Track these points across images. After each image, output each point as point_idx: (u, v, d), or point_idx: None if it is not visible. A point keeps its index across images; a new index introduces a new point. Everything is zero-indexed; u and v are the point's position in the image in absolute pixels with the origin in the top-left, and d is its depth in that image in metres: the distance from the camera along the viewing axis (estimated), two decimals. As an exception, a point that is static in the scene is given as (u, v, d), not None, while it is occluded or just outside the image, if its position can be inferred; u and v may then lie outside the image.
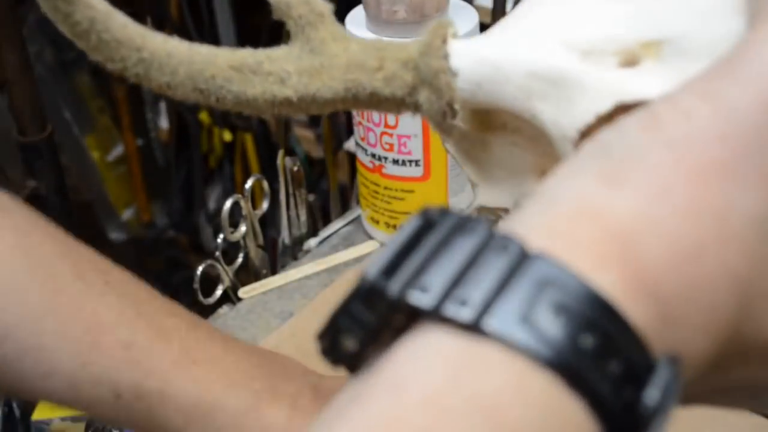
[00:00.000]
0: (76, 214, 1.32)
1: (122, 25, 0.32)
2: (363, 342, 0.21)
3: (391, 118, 0.66)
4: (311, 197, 0.78)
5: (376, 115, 0.67)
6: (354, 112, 0.70)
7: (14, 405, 1.10)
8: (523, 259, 0.20)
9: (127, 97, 1.79)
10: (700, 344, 0.22)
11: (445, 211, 0.22)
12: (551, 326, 0.19)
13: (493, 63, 0.30)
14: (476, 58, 0.30)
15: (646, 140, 0.22)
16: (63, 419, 1.05)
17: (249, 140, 1.64)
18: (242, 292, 0.70)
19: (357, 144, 0.71)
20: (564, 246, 0.21)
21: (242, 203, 0.70)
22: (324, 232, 0.77)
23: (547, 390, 0.19)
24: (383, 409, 0.19)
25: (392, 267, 0.21)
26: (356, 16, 0.67)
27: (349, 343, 0.21)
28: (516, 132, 0.33)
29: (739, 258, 0.21)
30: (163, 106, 1.75)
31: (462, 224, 0.21)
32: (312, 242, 0.76)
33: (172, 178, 1.78)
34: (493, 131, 0.34)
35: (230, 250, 0.72)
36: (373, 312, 0.21)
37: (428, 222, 0.22)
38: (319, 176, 1.44)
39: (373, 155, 0.69)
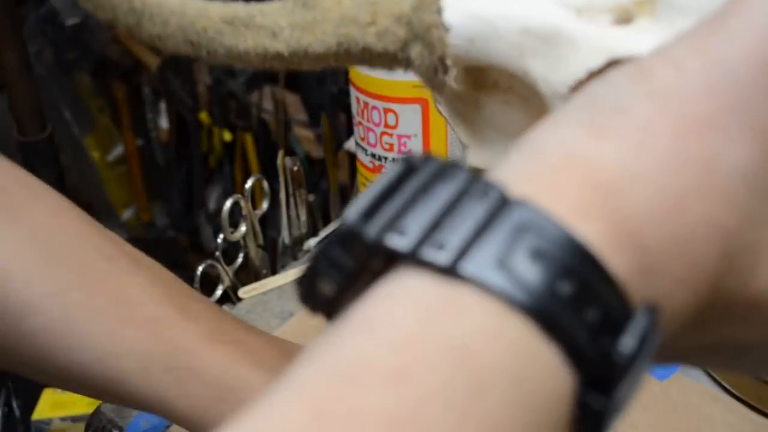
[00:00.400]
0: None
1: None
2: (340, 286, 0.21)
3: (391, 118, 0.66)
4: (311, 197, 0.78)
5: (376, 116, 0.67)
6: (354, 113, 0.70)
7: (14, 405, 1.10)
8: (503, 204, 0.20)
9: (127, 97, 1.79)
10: (682, 296, 0.21)
11: (428, 157, 0.22)
12: (528, 272, 0.19)
13: (487, 18, 0.30)
14: (469, 14, 0.30)
15: (634, 91, 0.22)
16: (63, 419, 1.05)
17: (249, 140, 1.64)
18: (242, 292, 0.70)
19: (357, 144, 0.71)
20: (546, 193, 0.20)
21: (242, 203, 0.70)
22: (324, 232, 0.77)
23: (521, 335, 0.19)
24: (353, 350, 0.19)
25: (371, 211, 0.20)
26: (356, 16, 0.67)
27: (327, 287, 0.21)
28: (508, 91, 0.33)
29: (724, 210, 0.21)
30: (163, 106, 1.75)
31: (443, 170, 0.21)
32: (312, 242, 0.76)
33: (172, 178, 1.78)
34: (486, 90, 0.33)
35: (230, 250, 0.72)
36: (351, 256, 0.20)
37: (410, 167, 0.21)
38: (319, 176, 1.44)
39: (373, 155, 0.69)
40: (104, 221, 1.74)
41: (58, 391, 1.09)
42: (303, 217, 0.75)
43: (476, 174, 0.21)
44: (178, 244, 1.85)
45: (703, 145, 0.21)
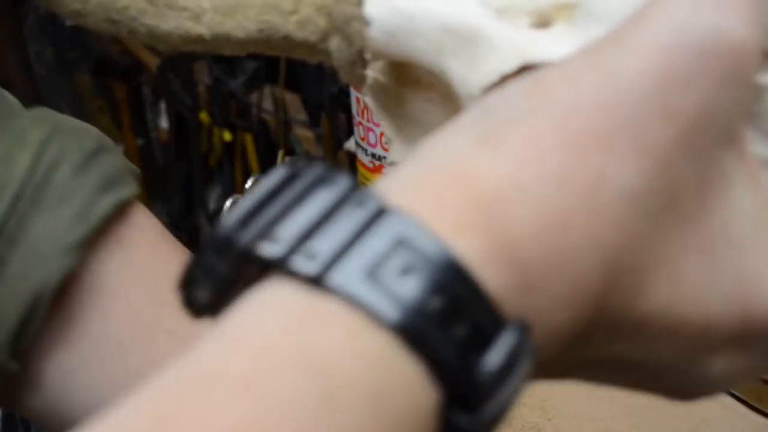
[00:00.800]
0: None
1: None
2: (215, 293, 0.20)
3: (391, 118, 0.66)
4: (311, 197, 0.78)
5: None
6: (354, 113, 0.70)
7: (14, 405, 1.10)
8: (379, 215, 0.20)
9: (127, 97, 1.79)
10: (563, 314, 0.21)
11: (312, 164, 0.21)
12: (398, 285, 0.19)
13: (407, 14, 0.29)
14: (390, 8, 0.29)
15: (528, 105, 0.22)
16: (63, 419, 1.05)
17: (249, 140, 1.64)
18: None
19: (357, 144, 0.71)
20: (428, 205, 0.20)
21: (242, 203, 0.70)
22: (324, 232, 0.77)
23: (383, 349, 0.19)
24: (211, 356, 0.19)
25: (248, 217, 0.20)
26: (356, 16, 0.67)
27: (202, 294, 0.21)
28: (430, 88, 0.32)
29: (608, 230, 0.21)
30: (163, 106, 1.75)
31: (324, 177, 0.21)
32: (312, 242, 0.76)
33: (172, 178, 1.78)
34: (409, 87, 0.33)
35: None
36: (225, 263, 0.20)
37: (293, 173, 0.21)
38: (319, 176, 1.44)
39: (373, 155, 0.69)
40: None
41: (58, 391, 1.09)
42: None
43: (356, 183, 0.21)
44: (178, 244, 1.85)
45: (591, 163, 0.21)
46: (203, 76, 1.60)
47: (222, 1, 0.33)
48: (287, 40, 0.32)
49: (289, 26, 0.32)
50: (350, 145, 0.91)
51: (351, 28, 0.30)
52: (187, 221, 1.81)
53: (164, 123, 1.75)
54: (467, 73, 0.28)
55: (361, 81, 0.32)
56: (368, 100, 0.34)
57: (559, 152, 0.21)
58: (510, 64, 0.26)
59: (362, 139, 0.70)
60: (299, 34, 0.32)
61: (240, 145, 1.67)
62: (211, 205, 1.77)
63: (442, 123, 0.30)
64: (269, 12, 0.32)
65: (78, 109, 1.73)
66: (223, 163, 1.72)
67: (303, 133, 1.58)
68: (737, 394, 0.58)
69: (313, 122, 1.52)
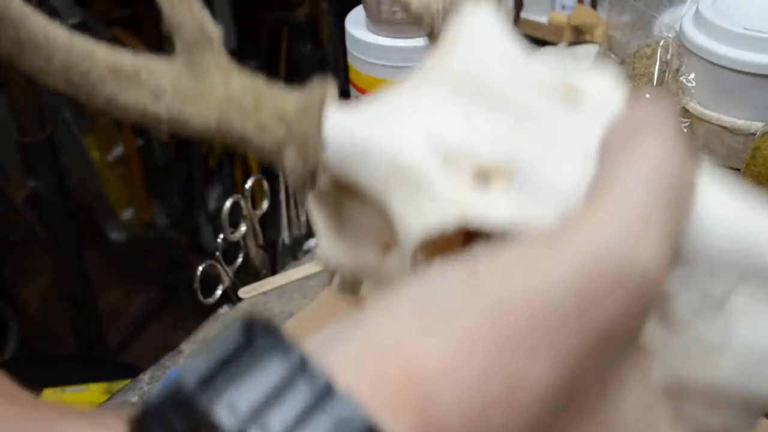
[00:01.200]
0: (76, 214, 1.33)
1: (5, 2, 0.30)
2: None
3: (391, 118, 0.66)
4: (311, 197, 0.78)
5: (376, 115, 0.67)
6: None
7: (14, 405, 1.10)
8: (327, 393, 0.21)
9: (127, 97, 1.79)
10: None
11: (267, 327, 0.23)
12: None
13: (362, 144, 0.30)
14: (347, 134, 0.30)
15: (464, 295, 0.23)
16: (63, 419, 1.05)
17: (249, 140, 1.64)
18: (242, 292, 0.70)
19: None
20: (369, 386, 0.22)
21: (242, 203, 0.70)
22: (324, 232, 0.77)
23: None
24: None
25: (208, 378, 0.21)
26: (356, 16, 0.67)
27: None
28: (368, 204, 0.32)
29: (522, 424, 0.23)
30: (163, 106, 1.75)
31: (279, 344, 0.22)
32: (312, 242, 0.76)
33: (172, 178, 1.78)
34: (348, 195, 0.34)
35: (230, 250, 0.71)
36: (184, 421, 0.21)
37: (249, 335, 0.23)
38: (319, 176, 1.44)
39: (373, 155, 0.69)
40: (104, 221, 1.73)
41: (58, 391, 1.09)
42: (303, 217, 0.75)
43: (308, 355, 0.22)
44: (178, 244, 1.85)
45: (514, 361, 0.23)
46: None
47: (185, 86, 0.32)
48: (243, 140, 0.32)
49: (248, 128, 0.32)
50: (350, 145, 0.90)
51: (308, 147, 0.31)
52: (187, 221, 1.81)
53: (164, 123, 1.75)
54: (408, 212, 0.29)
55: (305, 194, 0.33)
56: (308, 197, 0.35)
57: (488, 348, 0.23)
58: (450, 220, 0.28)
59: (362, 139, 0.70)
60: (256, 139, 0.32)
61: (240, 145, 1.67)
62: (211, 205, 1.77)
63: (373, 233, 0.34)
64: (230, 108, 0.32)
65: (78, 109, 1.73)
66: (223, 163, 1.72)
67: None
68: (737, 394, 0.58)
69: (313, 122, 1.52)
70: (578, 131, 0.29)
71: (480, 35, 0.34)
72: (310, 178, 0.31)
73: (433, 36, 0.37)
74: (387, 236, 0.33)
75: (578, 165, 0.27)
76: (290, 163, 0.31)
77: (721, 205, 0.27)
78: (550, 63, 0.33)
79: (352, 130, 0.30)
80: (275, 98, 0.32)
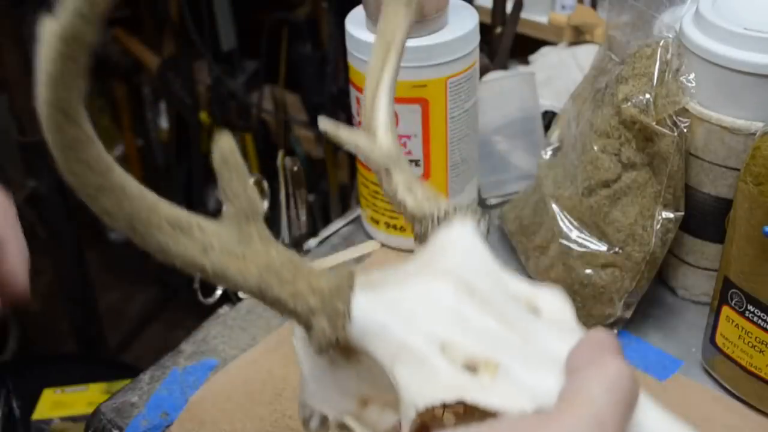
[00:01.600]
0: (76, 214, 1.33)
1: (98, 151, 0.35)
2: None
3: (391, 118, 0.66)
4: (311, 197, 0.78)
5: (376, 115, 0.67)
6: (354, 113, 0.70)
7: (14, 405, 1.10)
8: None
9: (127, 97, 1.79)
10: None
11: None
12: None
13: (380, 326, 0.38)
14: (370, 316, 0.38)
15: None
16: (63, 419, 1.05)
17: (249, 140, 1.64)
18: (242, 293, 0.70)
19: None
20: None
21: (242, 203, 0.70)
22: (324, 232, 0.77)
23: None
24: None
25: None
26: (356, 16, 0.67)
27: None
28: (367, 367, 0.40)
29: None
30: (163, 106, 1.75)
31: None
32: (312, 242, 0.76)
33: (172, 178, 1.78)
34: (347, 356, 0.41)
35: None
36: None
37: None
38: (319, 176, 1.44)
39: (373, 155, 0.69)
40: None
41: (58, 391, 1.09)
42: (303, 217, 0.75)
43: None
44: (178, 244, 1.85)
45: None
46: (203, 76, 1.60)
47: (231, 247, 0.38)
48: (278, 303, 0.38)
49: (284, 294, 0.38)
50: (350, 145, 0.90)
51: (338, 320, 0.38)
52: (187, 221, 1.81)
53: (164, 123, 1.75)
54: (412, 385, 0.36)
55: (322, 355, 0.39)
56: (297, 344, 0.42)
57: None
58: (448, 398, 0.35)
59: (362, 139, 0.70)
60: (290, 303, 0.38)
61: (240, 145, 1.67)
62: (211, 205, 1.77)
63: (357, 390, 0.41)
64: (270, 275, 0.38)
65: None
66: (223, 163, 1.72)
67: (303, 133, 1.58)
68: (737, 394, 0.58)
69: (313, 122, 1.52)
70: (546, 339, 0.37)
71: (467, 246, 0.41)
72: (335, 345, 0.38)
73: (422, 238, 0.44)
74: (369, 395, 0.42)
75: (550, 372, 0.36)
76: (320, 327, 0.38)
77: (657, 419, 0.36)
78: (516, 278, 0.41)
79: (374, 313, 0.38)
80: (309, 274, 0.38)
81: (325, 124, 0.48)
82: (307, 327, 0.39)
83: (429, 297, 0.39)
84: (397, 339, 0.37)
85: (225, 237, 0.38)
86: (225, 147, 0.39)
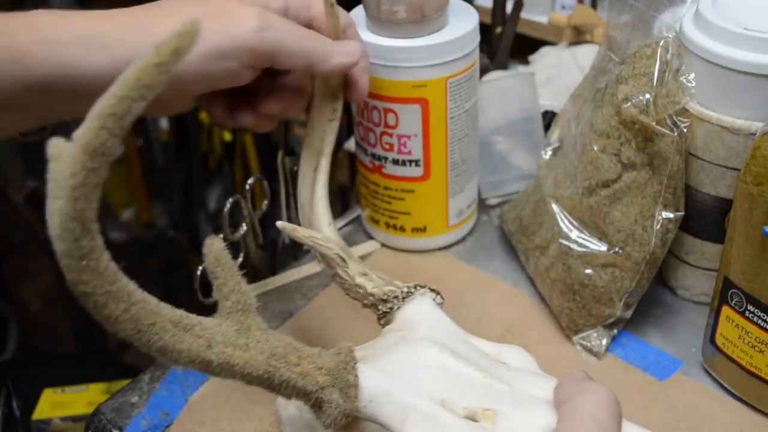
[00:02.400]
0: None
1: (107, 260, 0.36)
2: None
3: (391, 118, 0.66)
4: (311, 197, 0.78)
5: (376, 116, 0.67)
6: (354, 113, 0.70)
7: (14, 405, 1.10)
8: None
9: (127, 97, 1.79)
10: None
11: None
12: None
13: (385, 390, 0.43)
14: (374, 383, 0.43)
15: None
16: (63, 419, 1.05)
17: (249, 140, 1.64)
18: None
19: (357, 144, 0.71)
20: None
21: (242, 203, 0.70)
22: (324, 232, 0.77)
23: None
24: None
25: None
26: (356, 16, 0.67)
27: None
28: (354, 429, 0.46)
29: None
30: (163, 106, 1.75)
31: None
32: (312, 242, 0.76)
33: (172, 178, 1.78)
34: (346, 427, 0.45)
35: (230, 250, 0.71)
36: None
37: None
38: (319, 176, 1.44)
39: (373, 155, 0.69)
40: (104, 221, 1.73)
41: (58, 391, 1.09)
42: (303, 217, 0.75)
43: None
44: (178, 244, 1.85)
45: None
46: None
47: (232, 340, 0.41)
48: (287, 384, 0.41)
49: (292, 375, 0.41)
50: (350, 145, 0.90)
51: (349, 392, 0.42)
52: (187, 221, 1.81)
53: (164, 123, 1.75)
54: None
55: (333, 427, 0.43)
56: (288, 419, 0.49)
57: None
58: None
59: (362, 139, 0.70)
60: (299, 382, 0.42)
61: (240, 146, 1.67)
62: (211, 205, 1.77)
63: None
64: (277, 360, 0.41)
65: (78, 109, 1.73)
66: (223, 163, 1.72)
67: (303, 133, 1.58)
68: (737, 394, 0.58)
69: (313, 122, 1.52)
70: (526, 384, 0.44)
71: (434, 316, 0.48)
72: (347, 415, 0.42)
73: (388, 317, 0.49)
74: None
75: (541, 409, 0.42)
76: (332, 400, 0.42)
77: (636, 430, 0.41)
78: (480, 340, 0.48)
79: (378, 380, 0.43)
80: (312, 354, 0.43)
81: (283, 225, 0.53)
82: (317, 404, 0.42)
83: (419, 360, 0.44)
84: (403, 401, 0.42)
85: (226, 331, 0.41)
86: (216, 249, 0.42)
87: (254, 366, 0.41)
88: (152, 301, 0.39)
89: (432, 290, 0.50)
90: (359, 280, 0.51)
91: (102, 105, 0.32)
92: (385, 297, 0.50)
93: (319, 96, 0.59)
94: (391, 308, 0.49)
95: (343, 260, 0.52)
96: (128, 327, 0.38)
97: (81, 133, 0.32)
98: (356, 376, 0.42)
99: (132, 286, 0.38)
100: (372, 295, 0.50)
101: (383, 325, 0.50)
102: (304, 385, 0.42)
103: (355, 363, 0.43)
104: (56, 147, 0.34)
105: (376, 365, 0.44)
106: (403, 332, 0.47)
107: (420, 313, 0.48)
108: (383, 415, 0.42)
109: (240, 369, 0.40)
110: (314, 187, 0.58)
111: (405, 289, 0.49)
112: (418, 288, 0.49)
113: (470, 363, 0.44)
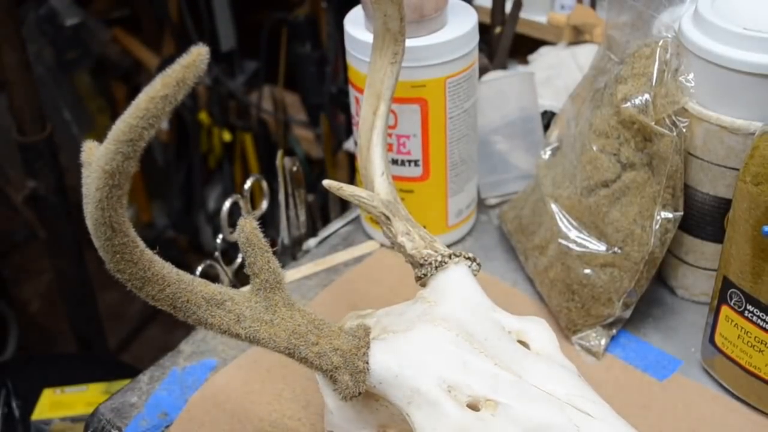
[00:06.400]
0: (76, 214, 1.33)
1: (141, 250, 0.40)
2: None
3: (390, 119, 0.66)
4: (311, 197, 0.78)
5: (375, 115, 0.67)
6: (353, 113, 0.70)
7: (14, 405, 1.10)
8: None
9: (127, 97, 1.79)
10: None
11: None
12: None
13: (394, 375, 0.45)
14: (384, 367, 0.45)
15: None
16: (62, 419, 1.05)
17: (248, 140, 1.64)
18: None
19: (356, 144, 0.71)
20: None
21: (242, 203, 0.70)
22: (323, 232, 0.77)
23: None
24: None
25: None
26: (355, 16, 0.67)
27: None
28: (384, 406, 0.47)
29: None
30: (162, 106, 1.74)
31: None
32: (311, 242, 0.76)
33: (172, 178, 1.78)
34: (366, 398, 0.47)
35: (230, 250, 0.72)
36: None
37: None
38: (319, 176, 1.44)
39: (373, 155, 0.69)
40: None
41: (58, 391, 1.09)
42: (302, 217, 0.75)
43: None
44: (178, 244, 1.85)
45: None
46: (203, 77, 1.60)
47: (260, 315, 0.44)
48: (305, 360, 0.45)
49: (310, 354, 0.45)
50: (349, 145, 0.91)
51: (359, 376, 0.45)
52: (187, 221, 1.81)
53: (164, 123, 1.75)
54: (426, 424, 0.43)
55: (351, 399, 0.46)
56: (320, 379, 0.48)
57: None
58: None
59: (362, 139, 0.70)
60: (316, 361, 0.45)
61: (240, 145, 1.67)
62: (211, 205, 1.77)
63: (376, 421, 0.48)
64: (297, 338, 0.45)
65: (78, 109, 1.73)
66: (223, 163, 1.72)
67: (302, 133, 1.58)
68: (737, 394, 0.58)
69: (313, 122, 1.52)
70: (536, 373, 0.45)
71: (463, 289, 0.49)
72: (358, 394, 0.45)
73: (423, 281, 0.50)
74: (385, 423, 0.49)
75: (544, 407, 0.43)
76: (344, 381, 0.45)
77: None
78: (506, 315, 0.49)
79: (388, 364, 0.45)
80: (330, 335, 0.45)
81: (329, 183, 0.53)
82: (333, 380, 0.45)
83: (434, 344, 0.45)
84: (410, 386, 0.44)
85: (255, 306, 0.44)
86: (248, 229, 0.44)
87: (277, 342, 0.44)
88: (186, 278, 0.42)
89: (468, 258, 0.50)
90: (401, 239, 0.52)
91: (117, 131, 0.35)
92: (422, 261, 0.50)
93: (380, 38, 0.57)
94: (425, 274, 0.50)
95: (387, 218, 0.53)
96: (165, 304, 0.42)
97: (100, 155, 0.36)
98: (366, 362, 0.45)
99: (167, 270, 0.42)
100: (411, 256, 0.51)
101: (421, 285, 0.51)
102: (320, 365, 0.45)
103: (368, 348, 0.45)
104: (88, 152, 0.39)
105: (390, 345, 0.45)
106: (430, 303, 0.48)
107: (451, 283, 0.49)
108: (391, 396, 0.45)
109: (265, 343, 0.44)
110: (371, 132, 0.58)
111: (439, 258, 0.50)
112: (453, 257, 0.50)
113: (484, 348, 0.45)
